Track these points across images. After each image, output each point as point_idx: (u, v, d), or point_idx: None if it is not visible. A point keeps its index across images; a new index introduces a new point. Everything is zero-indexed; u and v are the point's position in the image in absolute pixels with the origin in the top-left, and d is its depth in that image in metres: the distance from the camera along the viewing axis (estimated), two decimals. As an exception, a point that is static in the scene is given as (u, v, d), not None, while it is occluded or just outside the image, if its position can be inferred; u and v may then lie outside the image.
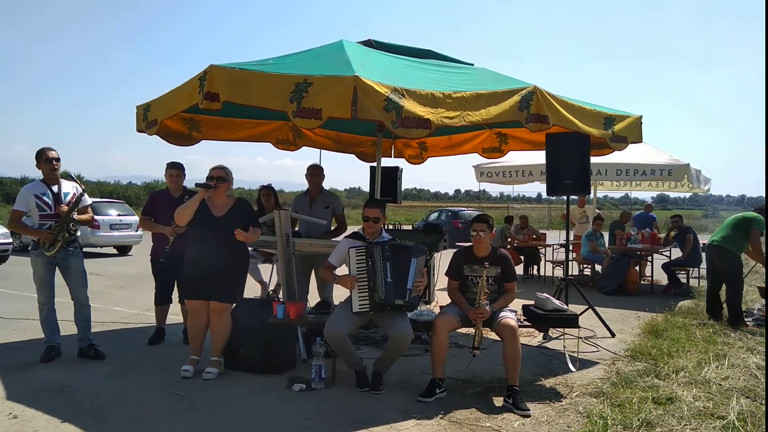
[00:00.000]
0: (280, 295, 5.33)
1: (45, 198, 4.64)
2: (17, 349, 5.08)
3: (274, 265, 6.24)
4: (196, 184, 4.35)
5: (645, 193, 16.62)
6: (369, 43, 5.29)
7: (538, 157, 8.35)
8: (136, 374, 4.41)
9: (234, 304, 4.49)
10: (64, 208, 4.64)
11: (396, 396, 3.97)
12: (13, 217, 4.70)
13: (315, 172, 5.83)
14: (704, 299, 7.55)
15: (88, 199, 4.92)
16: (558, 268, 11.29)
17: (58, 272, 4.78)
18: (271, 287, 6.26)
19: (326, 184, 6.01)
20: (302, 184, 6.06)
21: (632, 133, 5.56)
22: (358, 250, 4.13)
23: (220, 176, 4.33)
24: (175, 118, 5.33)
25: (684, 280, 9.61)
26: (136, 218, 14.95)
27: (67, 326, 4.98)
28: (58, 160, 4.69)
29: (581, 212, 11.53)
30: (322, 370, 4.10)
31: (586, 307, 6.15)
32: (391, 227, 6.32)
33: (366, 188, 7.91)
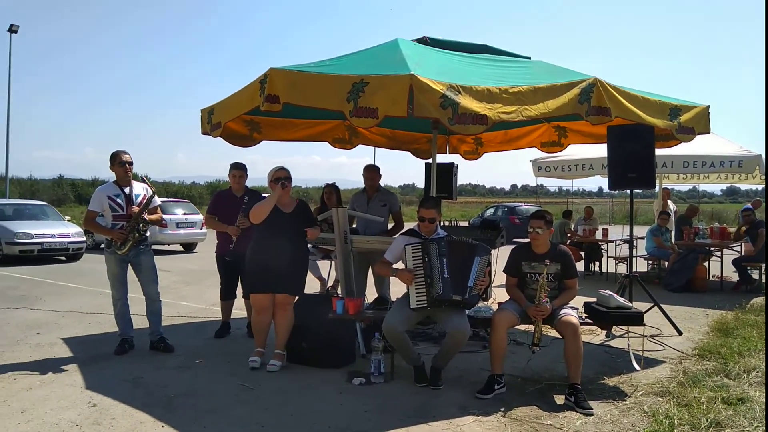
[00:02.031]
0: (339, 291, 5.43)
1: (118, 199, 4.91)
2: (93, 342, 5.40)
3: (333, 262, 6.36)
4: (272, 183, 4.52)
5: (714, 186, 15.88)
6: (424, 41, 5.29)
7: (599, 150, 8.12)
8: (205, 366, 4.61)
9: (296, 297, 4.63)
10: (136, 209, 4.90)
11: (454, 392, 3.98)
12: (87, 217, 4.99)
13: (371, 174, 5.91)
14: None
15: (157, 200, 5.17)
16: (621, 264, 10.95)
17: (130, 269, 5.05)
18: (330, 283, 6.38)
19: (381, 181, 6.07)
20: (357, 182, 6.16)
21: (699, 123, 5.33)
22: (414, 247, 4.16)
23: (287, 177, 4.54)
24: (237, 120, 5.51)
25: (756, 277, 9.12)
26: (200, 217, 15.53)
27: (139, 320, 5.25)
28: (131, 163, 4.96)
29: (664, 206, 11.04)
30: (381, 365, 4.16)
31: (652, 304, 5.95)
32: (446, 224, 6.32)
33: (420, 184, 7.93)
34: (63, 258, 12.71)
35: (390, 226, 5.98)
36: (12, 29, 24.14)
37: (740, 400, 3.69)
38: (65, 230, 12.70)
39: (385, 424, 3.40)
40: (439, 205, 4.55)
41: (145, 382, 4.21)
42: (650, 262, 10.25)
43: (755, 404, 3.58)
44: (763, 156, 8.83)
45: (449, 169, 7.12)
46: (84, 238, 13.00)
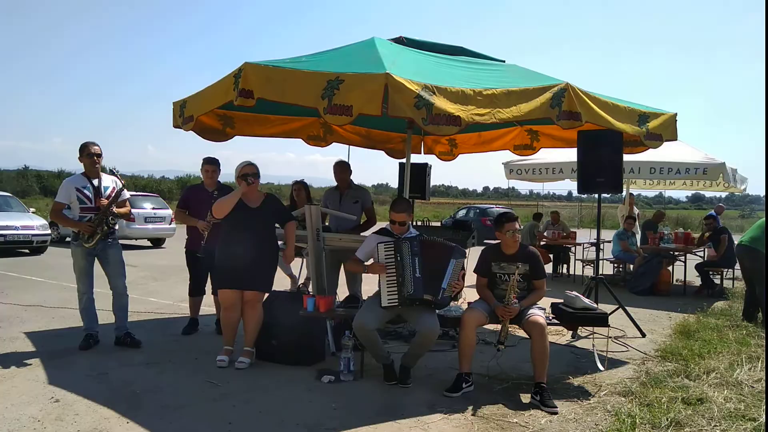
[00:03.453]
0: (310, 289, 5.41)
1: (86, 191, 4.81)
2: (58, 337, 5.28)
3: (304, 259, 6.34)
4: (238, 179, 4.47)
5: (680, 192, 16.33)
6: (400, 41, 5.31)
7: (569, 155, 8.26)
8: (171, 363, 4.55)
9: (266, 294, 4.60)
10: (104, 201, 4.80)
11: (423, 390, 4.01)
12: (54, 209, 4.88)
13: (341, 170, 5.90)
14: (738, 301, 7.41)
15: (126, 193, 5.09)
16: (588, 266, 11.16)
17: (97, 263, 4.95)
18: (301, 281, 6.36)
19: (354, 180, 6.07)
20: (331, 180, 6.14)
21: (667, 130, 5.47)
22: (386, 245, 4.18)
23: (254, 173, 4.48)
24: (210, 114, 5.45)
25: (718, 281, 9.41)
26: (169, 211, 15.29)
27: (104, 315, 5.15)
28: (100, 155, 4.86)
29: (629, 211, 11.29)
30: (350, 363, 4.17)
31: (617, 306, 6.09)
32: (419, 224, 6.36)
33: (393, 184, 7.98)
34: (27, 251, 12.39)
35: (362, 221, 5.98)
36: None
37: (699, 400, 3.80)
38: (29, 222, 12.37)
39: (354, 422, 3.41)
40: (411, 207, 4.58)
41: (110, 378, 4.14)
42: (616, 265, 10.48)
43: (713, 404, 3.69)
44: (732, 168, 9.09)
45: (423, 170, 7.17)
46: (49, 231, 12.67)
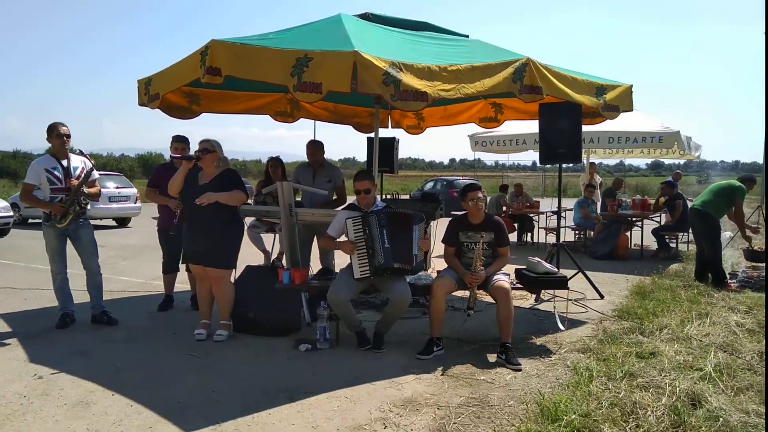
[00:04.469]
0: (284, 263, 5.54)
1: (56, 172, 4.80)
2: (33, 317, 5.30)
3: (277, 235, 6.44)
4: (173, 157, 4.49)
5: (639, 160, 16.90)
6: (366, 17, 5.38)
7: (532, 126, 8.49)
8: (150, 338, 4.65)
9: (230, 270, 4.66)
10: (75, 182, 4.80)
11: (396, 354, 4.23)
12: (24, 190, 4.85)
13: (315, 150, 5.95)
14: (692, 263, 7.83)
15: (96, 174, 5.09)
16: (551, 234, 11.55)
17: (69, 244, 4.97)
18: (274, 255, 6.47)
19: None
20: (296, 155, 6.25)
21: (623, 101, 5.72)
22: (354, 220, 4.34)
23: (205, 148, 4.50)
24: (176, 91, 5.43)
25: (674, 246, 9.88)
26: (134, 190, 15.06)
27: (78, 295, 5.19)
28: (69, 136, 4.85)
29: (590, 179, 11.67)
30: (326, 332, 4.35)
31: (577, 270, 6.40)
32: (388, 197, 6.51)
33: (360, 158, 8.10)
34: (-12, 234, 12.09)
35: (333, 198, 6.10)
36: None
37: (652, 354, 4.11)
38: (-11, 205, 12.06)
39: (333, 385, 3.60)
40: (372, 176, 4.72)
41: (90, 354, 4.23)
42: (577, 232, 10.88)
43: (665, 357, 4.00)
44: (687, 136, 9.45)
45: (391, 144, 7.31)
46: (11, 213, 12.38)
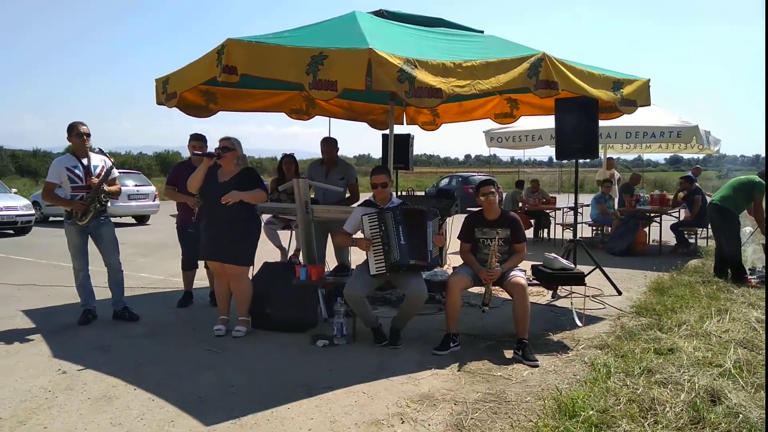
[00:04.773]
0: (301, 259, 5.59)
1: (76, 170, 4.89)
2: (55, 313, 5.41)
3: (293, 231, 6.50)
4: (194, 154, 4.55)
5: (657, 155, 16.70)
6: (380, 14, 5.39)
7: (548, 122, 8.44)
8: (170, 334, 4.73)
9: (249, 267, 4.72)
10: (95, 180, 4.89)
11: (413, 350, 4.25)
12: (46, 189, 4.94)
13: (329, 147, 5.98)
14: (711, 259, 7.74)
15: (115, 172, 5.17)
16: (568, 230, 11.47)
17: (90, 241, 5.05)
18: (291, 252, 6.52)
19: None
20: (310, 153, 6.25)
21: (641, 96, 5.67)
22: (370, 217, 4.36)
23: (225, 146, 4.55)
24: (192, 90, 5.51)
25: (692, 241, 9.77)
26: (152, 188, 15.26)
27: (99, 292, 5.28)
28: (89, 135, 4.93)
29: (609, 175, 11.58)
30: (343, 327, 4.38)
31: (594, 266, 6.37)
32: (404, 193, 6.53)
33: (375, 155, 8.11)
34: (11, 231, 12.33)
35: (347, 196, 6.13)
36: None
37: (670, 350, 4.08)
38: (12, 203, 12.30)
39: (350, 380, 3.63)
40: (389, 171, 4.75)
41: (112, 349, 4.31)
42: (595, 228, 10.80)
43: (683, 353, 3.96)
44: (712, 133, 9.31)
45: (405, 140, 7.31)
46: (33, 211, 12.62)
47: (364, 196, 4.95)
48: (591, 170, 23.13)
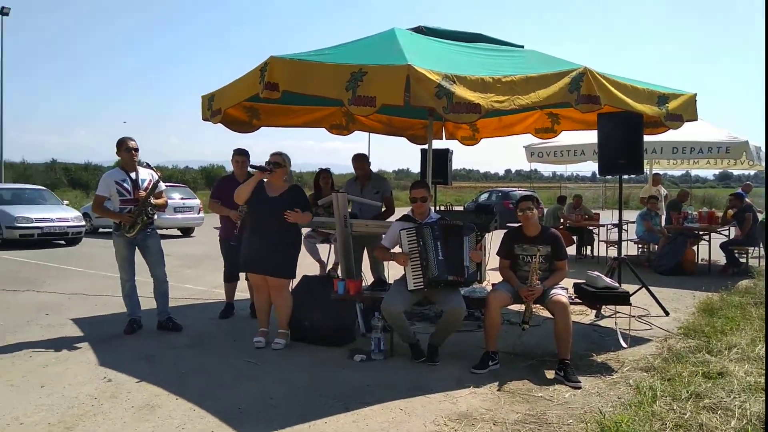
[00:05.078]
0: (339, 273, 5.62)
1: (125, 184, 5.07)
2: (102, 322, 5.59)
3: (332, 245, 6.55)
4: (251, 167, 4.66)
5: (706, 171, 16.18)
6: (420, 30, 5.43)
7: (591, 136, 8.30)
8: (212, 345, 4.82)
9: (290, 279, 4.79)
10: (143, 193, 5.06)
11: (451, 367, 4.20)
12: (96, 202, 5.14)
13: (361, 163, 6.05)
14: (763, 279, 7.41)
15: (162, 185, 5.34)
16: (612, 247, 11.19)
17: (137, 252, 5.21)
18: (329, 266, 6.57)
19: (375, 167, 6.24)
20: (350, 167, 6.30)
21: (687, 111, 5.52)
22: (408, 232, 4.35)
23: (276, 161, 4.64)
24: (237, 106, 5.65)
25: (743, 260, 9.38)
26: (197, 201, 15.66)
27: (144, 302, 5.43)
28: (137, 149, 5.12)
29: (655, 191, 11.28)
30: (381, 343, 4.38)
31: (640, 286, 6.18)
32: (442, 208, 6.51)
33: (414, 169, 8.12)
34: (62, 242, 12.83)
35: (383, 210, 6.16)
36: (3, 11, 23.90)
37: (720, 374, 3.92)
38: (64, 214, 12.82)
39: (387, 396, 3.61)
40: (427, 185, 4.75)
41: (156, 359, 4.41)
42: (640, 245, 10.50)
43: (734, 378, 3.80)
44: (763, 147, 8.98)
45: (444, 155, 7.31)
46: (83, 223, 13.11)
47: (402, 210, 4.96)
48: (636, 186, 22.56)
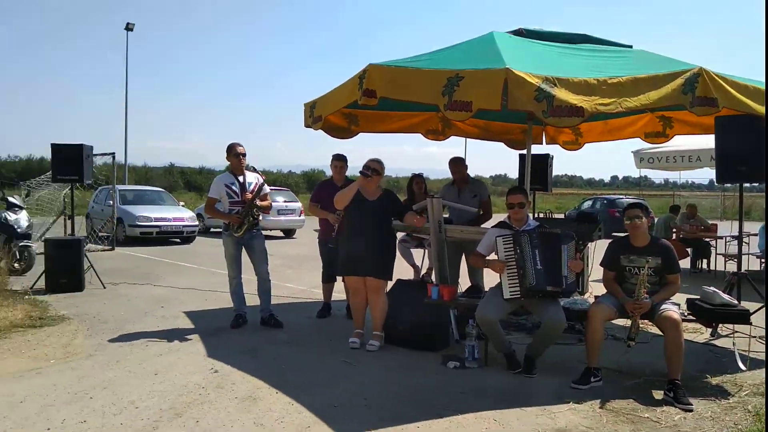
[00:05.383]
0: (433, 278, 5.62)
1: (233, 187, 5.39)
2: (211, 316, 5.96)
3: (426, 250, 6.56)
4: (361, 172, 4.80)
5: None
6: (519, 32, 5.31)
7: (707, 141, 7.70)
8: (309, 343, 5.00)
9: (388, 280, 4.86)
10: (249, 195, 5.35)
11: (549, 380, 4.05)
12: (208, 203, 5.52)
13: (458, 167, 5.99)
14: None
15: (267, 188, 5.62)
16: (731, 262, 10.28)
17: (243, 251, 5.51)
18: (424, 271, 6.58)
19: (471, 172, 6.15)
20: (446, 172, 6.27)
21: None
22: (505, 239, 4.25)
23: (375, 168, 4.76)
24: (336, 113, 5.82)
25: None
26: (299, 204, 16.30)
27: (248, 298, 5.72)
28: (244, 155, 5.44)
29: None
30: (475, 350, 4.31)
31: (762, 304, 5.62)
32: (541, 215, 6.31)
33: (512, 175, 7.97)
34: (178, 240, 13.85)
35: (480, 213, 6.07)
36: (128, 27, 26.31)
37: None
38: (180, 215, 13.84)
39: (481, 405, 3.55)
40: (525, 191, 4.61)
41: (258, 353, 4.65)
42: (763, 260, 9.56)
43: None
44: None
45: (544, 161, 7.08)
46: (197, 223, 14.07)
47: (499, 217, 4.86)
48: (759, 195, 20.61)
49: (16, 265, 8.00)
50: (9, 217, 8.24)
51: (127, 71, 26.97)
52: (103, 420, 3.26)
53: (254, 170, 5.63)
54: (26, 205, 9.80)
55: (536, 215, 6.60)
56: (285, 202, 16.01)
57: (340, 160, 5.84)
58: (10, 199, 8.83)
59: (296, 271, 9.41)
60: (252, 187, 5.44)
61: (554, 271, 4.10)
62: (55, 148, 7.46)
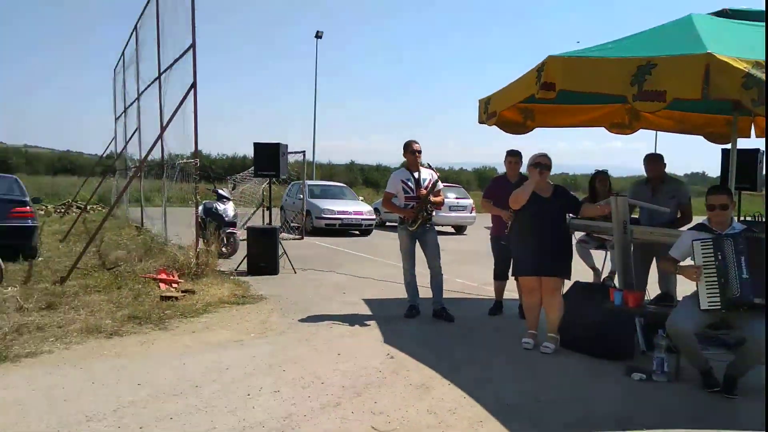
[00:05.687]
0: (615, 283, 5.27)
1: (409, 183, 5.60)
2: (386, 305, 6.27)
3: (607, 252, 6.18)
4: (531, 167, 4.69)
5: None
6: (724, 13, 4.74)
7: None
8: (480, 339, 5.02)
9: (565, 279, 4.70)
10: (423, 191, 5.52)
11: (754, 404, 3.57)
12: (385, 198, 5.82)
13: (655, 165, 5.46)
14: None
15: (440, 185, 5.75)
16: None
17: (417, 245, 5.71)
18: (605, 274, 6.20)
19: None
20: (634, 169, 5.82)
21: None
22: (704, 243, 3.82)
23: (546, 164, 4.63)
24: (512, 108, 5.73)
25: None
26: (470, 201, 16.34)
27: (421, 291, 5.89)
28: (420, 152, 5.64)
29: None
30: (664, 364, 3.97)
31: None
32: (749, 219, 5.58)
33: (712, 173, 7.11)
34: (357, 232, 14.75)
35: (677, 217, 5.50)
36: (318, 35, 28.57)
37: None
38: (359, 208, 14.74)
39: (670, 423, 3.28)
40: (730, 190, 4.08)
41: (430, 343, 4.79)
42: None
43: None
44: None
45: (753, 157, 6.22)
46: (374, 216, 14.87)
47: (697, 220, 4.39)
48: None
49: (224, 249, 9.18)
50: (219, 207, 9.50)
51: (316, 77, 29.40)
52: (293, 392, 3.63)
53: (429, 167, 5.79)
54: (232, 196, 11.20)
55: (742, 218, 5.83)
56: (456, 198, 16.14)
57: (514, 156, 5.75)
58: (220, 191, 10.16)
59: (467, 267, 9.46)
60: (426, 183, 5.60)
61: (764, 281, 3.60)
62: (257, 146, 8.40)
